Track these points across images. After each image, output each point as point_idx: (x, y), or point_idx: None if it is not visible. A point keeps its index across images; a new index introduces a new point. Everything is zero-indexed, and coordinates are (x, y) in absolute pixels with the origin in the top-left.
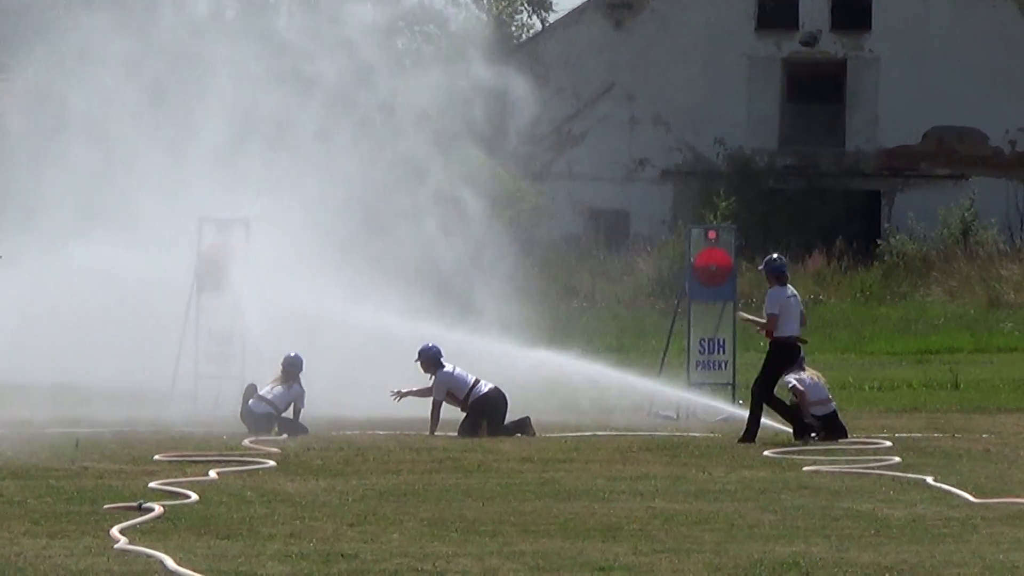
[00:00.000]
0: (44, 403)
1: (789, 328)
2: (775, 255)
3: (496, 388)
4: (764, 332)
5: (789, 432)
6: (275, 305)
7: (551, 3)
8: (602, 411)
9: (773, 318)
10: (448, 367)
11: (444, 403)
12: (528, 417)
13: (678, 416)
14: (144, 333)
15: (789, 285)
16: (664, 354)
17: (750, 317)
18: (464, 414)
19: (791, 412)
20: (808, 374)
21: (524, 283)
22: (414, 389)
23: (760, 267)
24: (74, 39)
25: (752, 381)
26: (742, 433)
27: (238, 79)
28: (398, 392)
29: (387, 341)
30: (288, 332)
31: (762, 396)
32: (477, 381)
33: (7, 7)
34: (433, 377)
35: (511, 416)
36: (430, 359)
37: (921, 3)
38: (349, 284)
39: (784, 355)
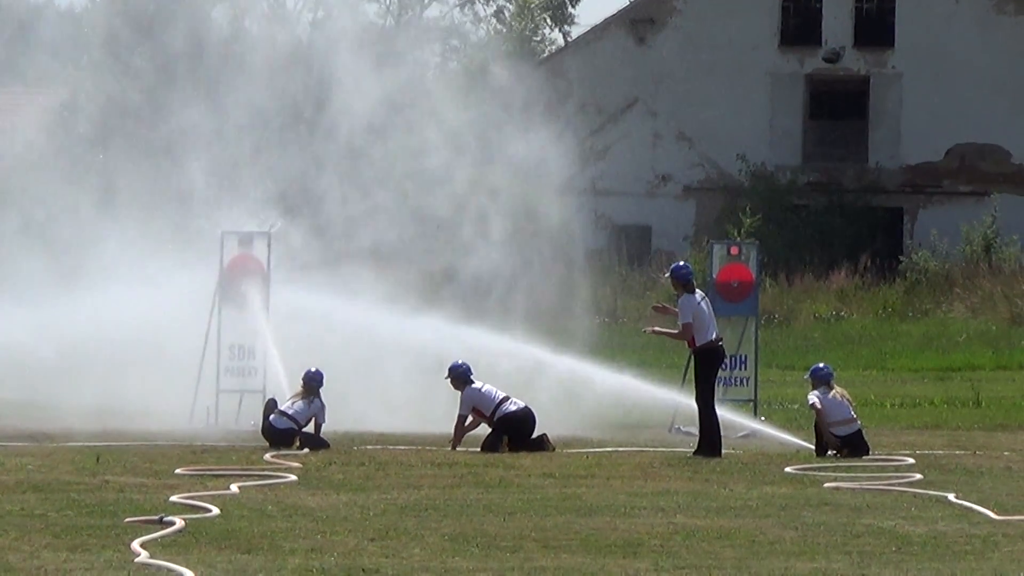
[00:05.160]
0: (65, 418)
1: (708, 333)
2: (681, 262)
3: (526, 407)
4: (687, 342)
5: (811, 449)
6: (302, 316)
7: (573, 17)
8: (624, 426)
9: (689, 327)
10: (477, 384)
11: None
12: (545, 434)
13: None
14: (165, 348)
15: (698, 291)
16: (686, 370)
17: (661, 330)
18: (491, 429)
19: (717, 430)
20: (834, 392)
21: (546, 299)
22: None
23: (666, 275)
24: (99, 55)
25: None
26: (700, 447)
27: (258, 90)
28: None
29: (415, 347)
30: (315, 343)
31: (707, 406)
32: (506, 399)
33: (34, 20)
34: (461, 394)
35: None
36: (459, 376)
37: (944, 20)
38: (373, 294)
39: (709, 361)
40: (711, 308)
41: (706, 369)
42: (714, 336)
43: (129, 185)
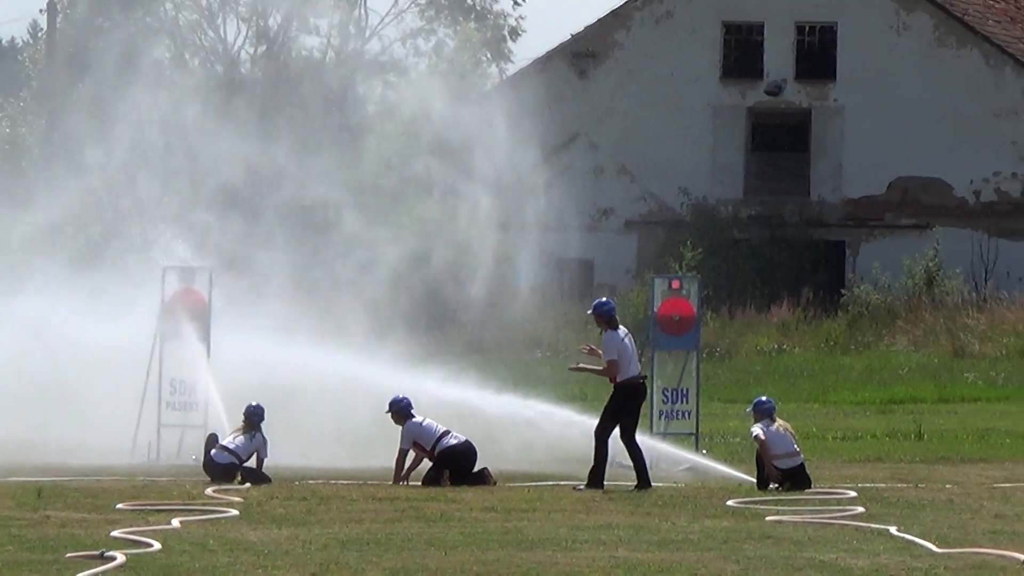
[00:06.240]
0: (6, 453)
1: (630, 370)
2: (604, 299)
3: (467, 441)
4: (609, 378)
5: (752, 482)
6: (242, 353)
7: (511, 54)
8: (565, 460)
9: (614, 363)
10: (418, 418)
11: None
12: (486, 468)
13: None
14: (107, 383)
15: (621, 327)
16: None
17: (586, 366)
18: (431, 463)
19: (642, 462)
20: (777, 425)
21: (488, 333)
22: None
23: (589, 311)
24: (52, 91)
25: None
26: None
27: (200, 131)
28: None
29: (356, 389)
30: (256, 381)
31: (603, 441)
32: (446, 433)
33: None
34: (401, 428)
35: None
36: (400, 411)
37: (886, 53)
38: (313, 332)
39: (628, 397)
40: (634, 344)
41: (620, 404)
42: (636, 372)
43: (67, 216)
